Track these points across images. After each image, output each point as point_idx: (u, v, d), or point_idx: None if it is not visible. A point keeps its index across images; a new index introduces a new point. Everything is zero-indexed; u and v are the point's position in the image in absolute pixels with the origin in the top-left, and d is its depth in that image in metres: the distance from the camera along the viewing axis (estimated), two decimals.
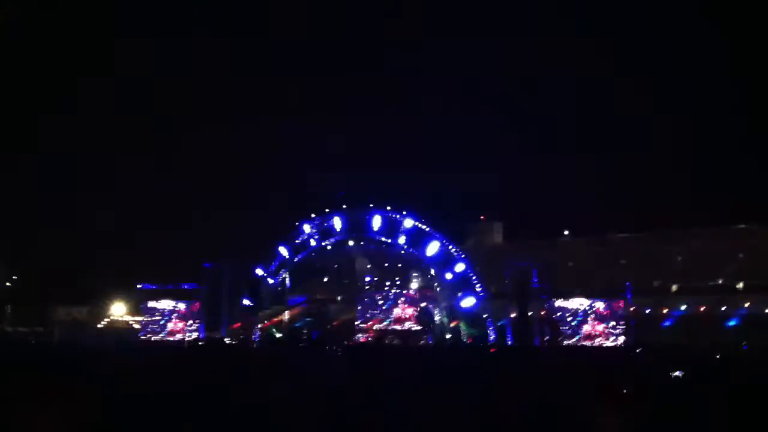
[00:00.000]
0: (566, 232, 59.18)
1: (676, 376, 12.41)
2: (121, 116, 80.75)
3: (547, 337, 45.46)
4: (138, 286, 56.28)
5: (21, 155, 71.91)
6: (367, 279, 53.62)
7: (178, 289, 53.44)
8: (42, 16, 76.71)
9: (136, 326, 54.37)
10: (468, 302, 47.18)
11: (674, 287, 52.65)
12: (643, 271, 50.98)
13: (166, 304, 52.68)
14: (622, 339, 44.02)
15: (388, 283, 52.10)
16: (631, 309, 45.52)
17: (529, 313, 46.17)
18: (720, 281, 52.22)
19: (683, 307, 50.13)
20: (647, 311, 49.30)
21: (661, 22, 78.20)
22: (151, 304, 53.09)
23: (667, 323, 49.05)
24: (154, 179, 74.89)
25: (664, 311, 49.74)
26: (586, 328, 45.15)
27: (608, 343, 44.07)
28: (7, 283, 63.01)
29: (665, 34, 78.71)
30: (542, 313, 46.29)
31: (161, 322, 52.49)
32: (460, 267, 47.98)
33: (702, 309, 50.19)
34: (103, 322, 59.05)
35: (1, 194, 70.42)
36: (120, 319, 58.74)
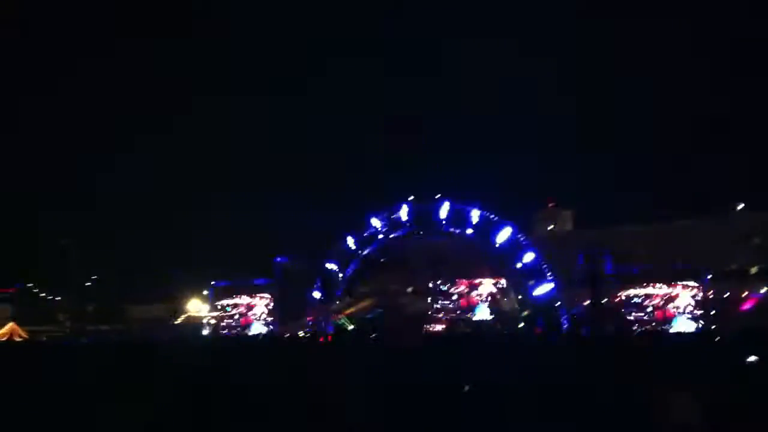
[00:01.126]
0: (635, 220, 57.95)
1: (751, 361, 12.09)
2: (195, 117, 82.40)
3: (621, 325, 44.71)
4: (212, 282, 57.50)
5: (96, 155, 74.15)
6: (438, 270, 53.45)
7: (251, 285, 54.37)
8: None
9: (212, 322, 55.55)
10: (541, 290, 46.62)
11: (753, 269, 51.05)
12: (719, 255, 49.62)
13: (240, 299, 53.68)
14: (701, 324, 43.01)
15: (458, 274, 51.88)
16: (709, 294, 44.36)
17: (603, 301, 45.51)
18: None
19: (763, 290, 48.57)
20: (726, 295, 47.94)
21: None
22: (226, 300, 54.18)
23: (747, 307, 47.62)
24: (225, 178, 76.41)
25: (744, 294, 48.29)
26: (662, 314, 44.28)
27: (686, 329, 43.11)
28: (87, 283, 65.16)
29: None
30: (615, 300, 45.57)
31: (236, 317, 53.52)
32: (529, 255, 47.47)
33: None
34: (180, 319, 60.52)
35: (80, 196, 72.81)
36: (196, 315, 60.08)
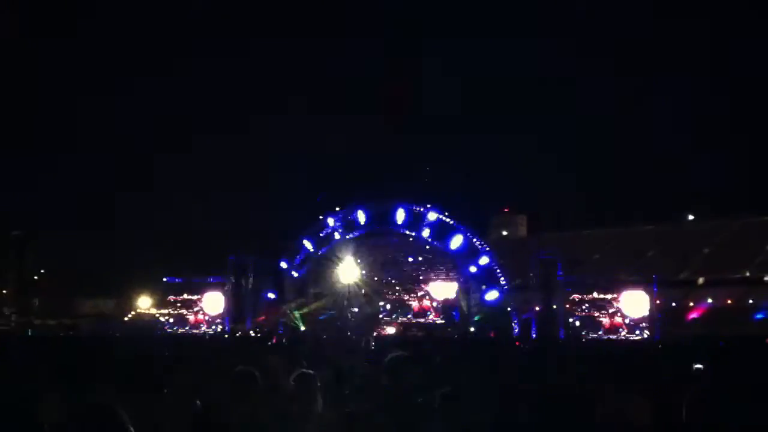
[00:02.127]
0: (590, 225, 58.84)
1: (696, 368, 12.33)
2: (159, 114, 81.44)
3: (571, 331, 45.25)
4: (164, 279, 56.77)
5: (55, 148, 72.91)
6: (391, 272, 53.53)
7: (203, 282, 53.79)
8: None
9: (162, 319, 54.79)
10: (492, 295, 47.13)
11: (701, 279, 52.13)
12: (669, 263, 50.55)
13: (191, 296, 53.09)
14: (647, 333, 43.70)
15: (412, 277, 52.02)
16: (657, 302, 45.14)
17: (554, 306, 46.02)
18: (747, 273, 51.61)
19: (709, 300, 49.63)
20: (673, 304, 48.88)
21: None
22: (176, 296, 53.52)
23: (693, 316, 48.60)
24: (178, 172, 75.61)
25: (690, 304, 49.28)
26: (611, 321, 44.90)
27: (633, 337, 43.78)
28: (35, 277, 63.87)
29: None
30: (566, 306, 46.10)
31: (186, 315, 52.92)
32: (484, 260, 47.91)
33: (729, 302, 49.65)
34: (129, 315, 59.64)
35: (29, 187, 71.42)
36: (146, 312, 59.26)
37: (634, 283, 45.47)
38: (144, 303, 59.86)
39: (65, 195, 69.88)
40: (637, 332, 44.00)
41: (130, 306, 60.49)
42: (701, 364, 12.47)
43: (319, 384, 7.44)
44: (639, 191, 63.78)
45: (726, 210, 53.00)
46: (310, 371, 7.59)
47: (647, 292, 44.71)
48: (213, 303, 52.82)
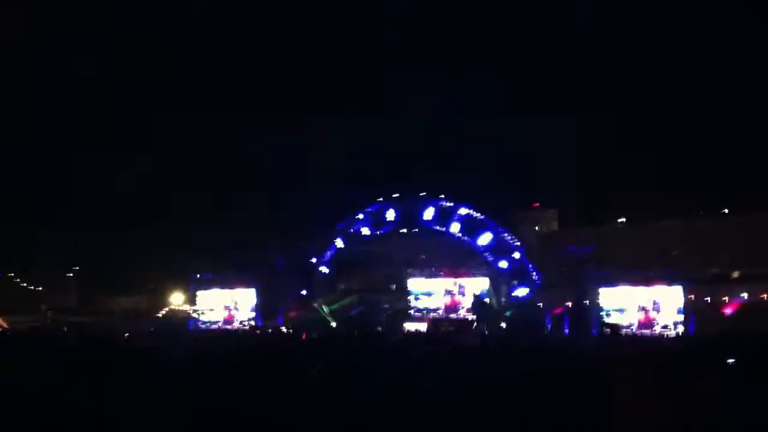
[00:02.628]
0: (623, 219, 58.27)
1: (729, 363, 12.22)
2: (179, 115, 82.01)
3: (605, 328, 44.96)
4: (197, 275, 57.33)
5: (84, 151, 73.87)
6: (421, 267, 53.57)
7: (235, 278, 54.25)
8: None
9: (195, 315, 55.37)
10: (522, 291, 46.98)
11: (735, 274, 51.39)
12: (701, 258, 49.93)
13: (223, 292, 53.58)
14: (681, 328, 43.29)
15: (442, 272, 52.01)
16: (690, 297, 44.66)
17: (586, 302, 45.77)
18: None
19: (744, 295, 48.93)
20: (706, 299, 48.28)
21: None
22: (209, 292, 54.04)
23: (727, 311, 47.97)
24: (208, 170, 76.18)
25: (724, 299, 48.63)
26: (645, 317, 44.57)
27: (668, 332, 43.39)
28: (69, 274, 64.87)
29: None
30: (598, 301, 45.83)
31: (219, 311, 53.45)
32: (514, 255, 47.79)
33: (765, 296, 48.94)
34: (162, 312, 60.32)
35: (64, 188, 72.44)
36: (178, 308, 59.88)
37: (667, 279, 45.01)
38: (176, 299, 60.48)
39: (97, 194, 70.71)
40: (671, 328, 43.61)
41: (163, 302, 61.16)
42: (734, 359, 12.37)
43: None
44: (671, 185, 62.86)
45: (759, 204, 52.11)
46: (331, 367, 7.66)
47: (680, 287, 44.28)
48: (245, 299, 53.29)
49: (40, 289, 64.54)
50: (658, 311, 44.34)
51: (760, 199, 52.64)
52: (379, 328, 44.10)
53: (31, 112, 75.21)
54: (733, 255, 49.34)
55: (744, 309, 46.38)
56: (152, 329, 44.01)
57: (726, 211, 55.30)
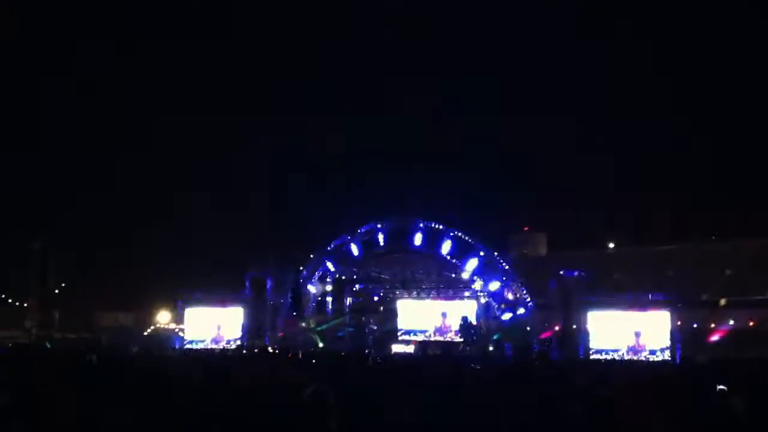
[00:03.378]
0: (611, 244, 58.49)
1: (720, 389, 12.14)
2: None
3: (590, 351, 44.88)
4: (184, 293, 56.95)
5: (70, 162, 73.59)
6: (410, 289, 53.43)
7: (222, 297, 53.92)
8: None
9: (182, 333, 54.93)
10: (506, 316, 47.04)
11: (723, 301, 51.57)
12: (690, 284, 50.06)
13: (211, 311, 53.21)
14: (667, 354, 43.22)
15: (431, 295, 51.93)
16: (678, 323, 44.66)
17: (573, 326, 45.70)
18: None
19: (731, 322, 49.06)
20: (694, 325, 48.36)
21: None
22: (196, 310, 53.66)
23: (714, 338, 48.04)
24: (198, 188, 76.05)
25: (712, 325, 48.72)
26: (632, 342, 44.48)
27: (654, 358, 43.32)
28: (56, 290, 64.27)
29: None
30: (587, 326, 45.75)
31: (205, 329, 53.02)
32: (497, 284, 47.91)
33: (751, 323, 49.07)
34: (149, 329, 59.87)
35: (51, 198, 72.09)
36: (166, 326, 59.47)
37: (655, 304, 45.01)
38: (163, 317, 60.07)
39: (87, 210, 70.47)
40: (659, 353, 43.54)
41: (149, 320, 60.75)
42: (724, 385, 12.30)
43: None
44: (660, 210, 63.12)
45: (748, 230, 52.44)
46: (324, 387, 7.51)
47: (669, 312, 44.26)
48: (232, 318, 52.94)
49: (25, 305, 63.94)
50: (646, 336, 44.25)
51: (749, 224, 52.97)
52: (366, 350, 43.84)
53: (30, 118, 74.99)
54: (721, 281, 49.55)
55: (731, 336, 46.52)
56: (136, 348, 43.60)
57: (714, 237, 55.59)
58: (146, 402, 9.93)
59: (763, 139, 71.93)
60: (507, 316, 47.11)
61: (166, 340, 55.60)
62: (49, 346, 49.18)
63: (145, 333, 59.39)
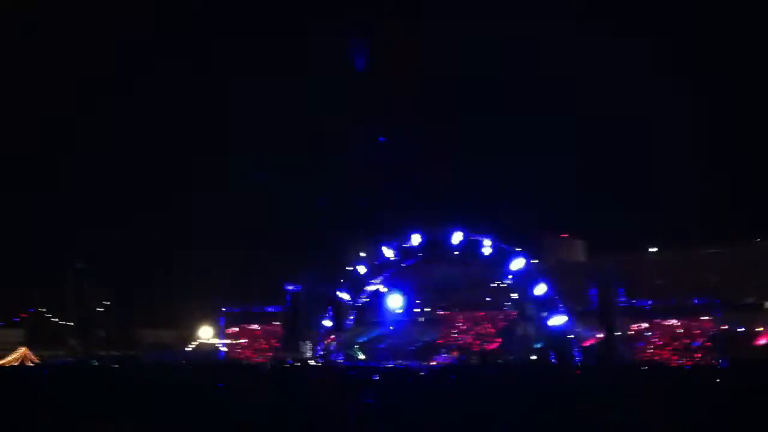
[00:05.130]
0: (652, 249, 57.62)
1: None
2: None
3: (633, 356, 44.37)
4: (223, 309, 57.47)
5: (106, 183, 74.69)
6: (448, 298, 53.27)
7: (262, 312, 54.33)
8: None
9: (223, 349, 55.46)
10: (553, 321, 46.14)
11: (767, 303, 50.46)
12: (733, 287, 49.10)
13: (251, 326, 53.67)
14: (710, 357, 42.51)
15: (470, 304, 51.73)
16: (722, 327, 43.87)
17: (616, 333, 45.11)
18: None
19: None
20: (740, 329, 47.33)
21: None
22: (236, 326, 54.16)
23: (762, 341, 46.94)
24: (237, 206, 76.60)
25: (758, 329, 47.60)
26: (676, 346, 43.91)
27: (699, 361, 42.63)
28: (99, 309, 65.27)
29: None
30: (629, 333, 45.23)
31: (247, 344, 53.48)
32: (542, 287, 47.17)
33: None
34: (191, 345, 60.41)
35: (92, 221, 73.24)
36: (207, 341, 59.95)
37: (697, 308, 44.32)
38: (205, 333, 60.57)
39: (129, 229, 71.50)
40: (702, 357, 42.85)
41: (191, 336, 61.27)
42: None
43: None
44: (700, 214, 62.10)
45: None
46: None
47: (711, 316, 43.56)
48: (270, 332, 53.32)
49: (70, 324, 64.98)
50: (690, 340, 43.61)
51: None
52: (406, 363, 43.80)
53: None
54: (765, 284, 48.54)
55: None
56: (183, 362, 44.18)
57: (759, 240, 54.54)
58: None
59: None
60: (555, 321, 45.90)
61: (209, 354, 56.11)
62: (96, 363, 50.06)
63: (188, 348, 59.94)
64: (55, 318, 64.56)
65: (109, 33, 73.22)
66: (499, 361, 46.44)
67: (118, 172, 78.51)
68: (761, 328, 48.37)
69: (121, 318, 65.58)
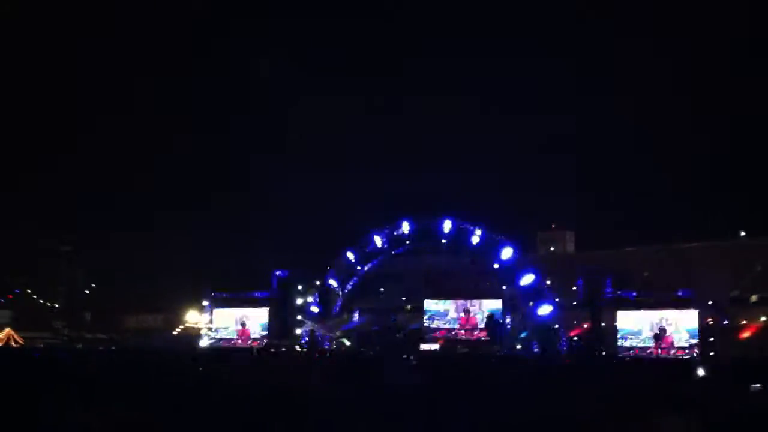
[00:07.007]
0: (639, 242, 57.84)
1: (754, 388, 11.96)
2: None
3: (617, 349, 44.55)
4: (211, 293, 57.27)
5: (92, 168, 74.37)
6: (436, 287, 53.33)
7: (249, 297, 54.19)
8: None
9: (209, 333, 55.30)
10: (540, 312, 46.27)
11: (754, 297, 50.80)
12: (719, 281, 49.40)
13: (237, 311, 53.51)
14: (696, 352, 42.75)
15: (457, 292, 51.80)
16: (708, 321, 44.14)
17: (602, 324, 45.31)
18: None
19: (762, 319, 48.31)
20: (724, 323, 47.67)
21: None
22: (223, 311, 53.98)
23: (746, 335, 47.32)
24: (224, 189, 76.42)
25: (743, 323, 47.98)
26: (659, 340, 44.12)
27: (684, 355, 42.88)
28: (86, 291, 65.04)
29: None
30: (615, 324, 45.40)
31: (232, 329, 53.34)
32: (530, 276, 47.31)
33: None
34: (177, 330, 60.30)
35: (78, 201, 72.91)
36: (194, 326, 59.81)
37: (682, 301, 44.55)
38: (192, 317, 60.41)
39: (116, 212, 71.23)
40: (687, 351, 43.10)
41: (178, 320, 61.14)
42: (759, 384, 12.11)
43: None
44: (689, 207, 62.43)
45: None
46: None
47: (696, 310, 43.79)
48: (258, 317, 53.18)
49: (56, 306, 64.76)
50: (675, 335, 43.82)
51: None
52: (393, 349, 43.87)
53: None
54: (751, 278, 48.86)
55: (763, 333, 45.86)
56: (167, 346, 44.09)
57: (743, 233, 54.89)
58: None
59: None
60: (543, 310, 46.03)
61: (194, 338, 55.99)
62: (80, 347, 49.92)
63: (174, 332, 59.85)
64: (41, 300, 64.33)
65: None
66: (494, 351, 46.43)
67: (112, 153, 78.05)
68: (745, 322, 48.78)
69: (107, 301, 65.41)
